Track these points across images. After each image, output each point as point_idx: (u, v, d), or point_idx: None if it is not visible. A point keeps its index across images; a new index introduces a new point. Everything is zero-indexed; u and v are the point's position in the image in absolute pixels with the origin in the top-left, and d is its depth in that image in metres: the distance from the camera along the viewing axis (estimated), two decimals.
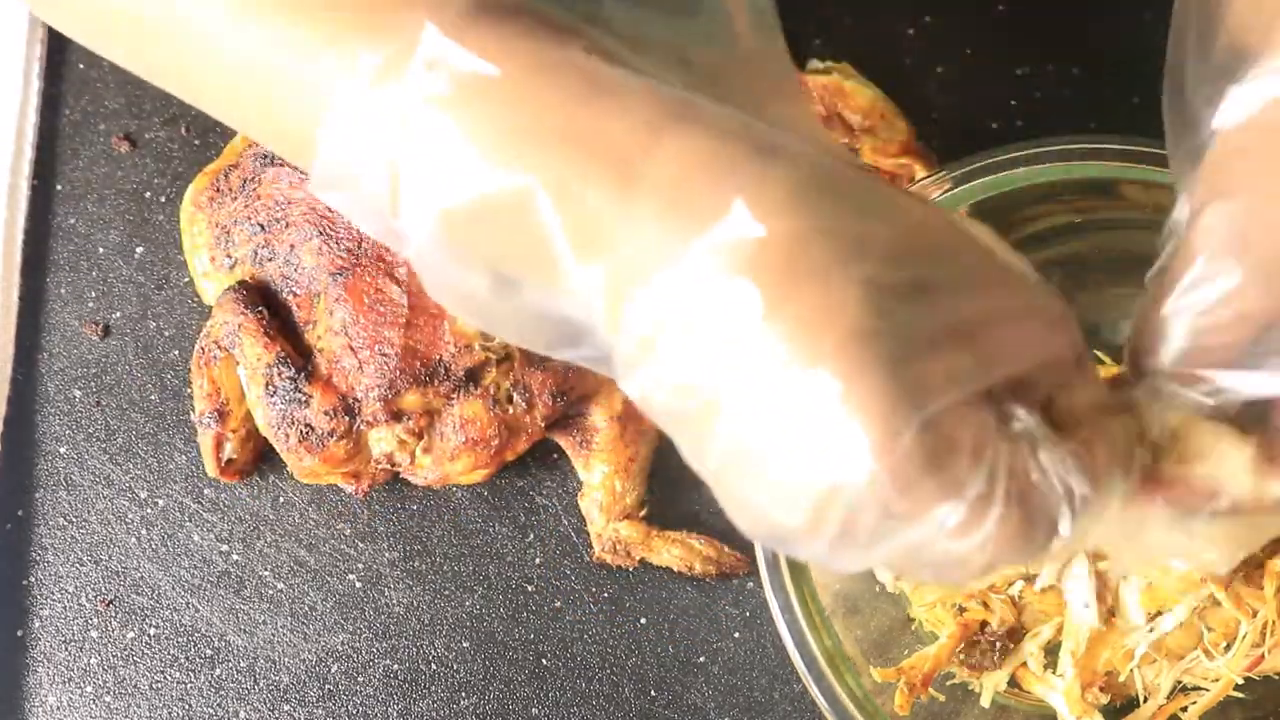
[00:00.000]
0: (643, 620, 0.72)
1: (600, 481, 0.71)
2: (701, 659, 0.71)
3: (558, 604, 0.72)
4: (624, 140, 0.40)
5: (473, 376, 0.68)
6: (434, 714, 0.71)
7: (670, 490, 0.73)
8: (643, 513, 0.72)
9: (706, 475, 0.42)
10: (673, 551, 0.71)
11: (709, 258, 0.38)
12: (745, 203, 0.38)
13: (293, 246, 0.69)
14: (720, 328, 0.39)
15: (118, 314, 0.76)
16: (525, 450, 0.70)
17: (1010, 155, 0.65)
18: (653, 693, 0.71)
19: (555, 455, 0.73)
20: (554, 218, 0.40)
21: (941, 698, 0.66)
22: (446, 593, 0.72)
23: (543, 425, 0.69)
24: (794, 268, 0.38)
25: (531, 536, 0.73)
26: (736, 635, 0.72)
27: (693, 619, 0.72)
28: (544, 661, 0.71)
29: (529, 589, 0.72)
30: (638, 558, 0.71)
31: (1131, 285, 0.72)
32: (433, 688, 0.71)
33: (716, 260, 0.38)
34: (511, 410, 0.68)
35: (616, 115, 0.40)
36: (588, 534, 0.72)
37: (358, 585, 0.72)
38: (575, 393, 0.70)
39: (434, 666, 0.71)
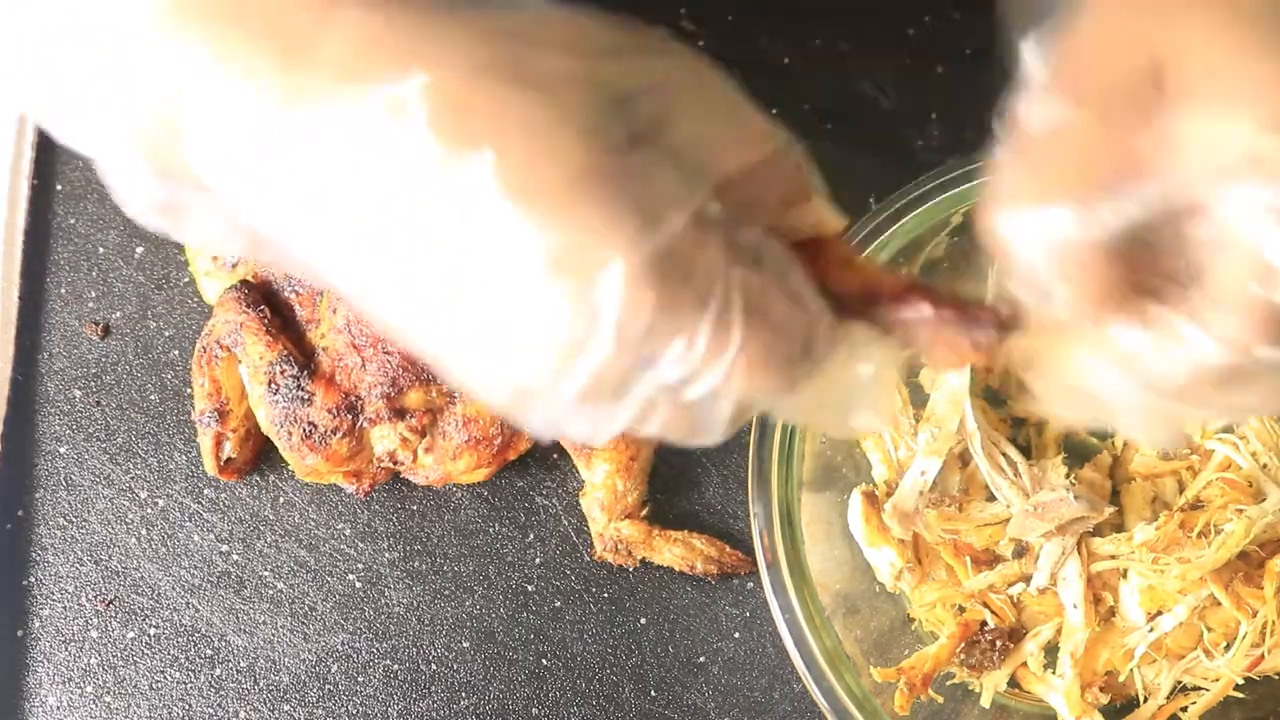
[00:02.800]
0: (643, 620, 0.72)
1: (602, 480, 0.71)
2: (701, 659, 0.71)
3: (558, 604, 0.72)
4: (296, 16, 0.38)
5: None
6: (434, 714, 0.71)
7: (671, 490, 0.73)
8: (644, 512, 0.72)
9: (429, 347, 0.40)
10: (674, 551, 0.71)
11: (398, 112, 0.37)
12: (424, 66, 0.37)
13: None
14: (443, 202, 0.37)
15: (118, 314, 0.76)
16: (526, 449, 0.70)
17: None
18: (653, 693, 0.71)
19: (555, 455, 0.73)
20: (222, 90, 0.38)
21: (940, 699, 0.67)
22: (446, 593, 0.72)
23: None
24: (498, 118, 0.36)
25: (531, 536, 0.73)
26: (736, 635, 0.72)
27: (693, 619, 0.72)
28: (544, 661, 0.71)
29: (529, 589, 0.72)
30: (639, 557, 0.71)
31: None
32: (433, 688, 0.71)
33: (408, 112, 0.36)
34: None
35: None
36: (588, 534, 0.72)
37: (358, 585, 0.72)
38: None
39: (434, 666, 0.71)
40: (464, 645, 0.72)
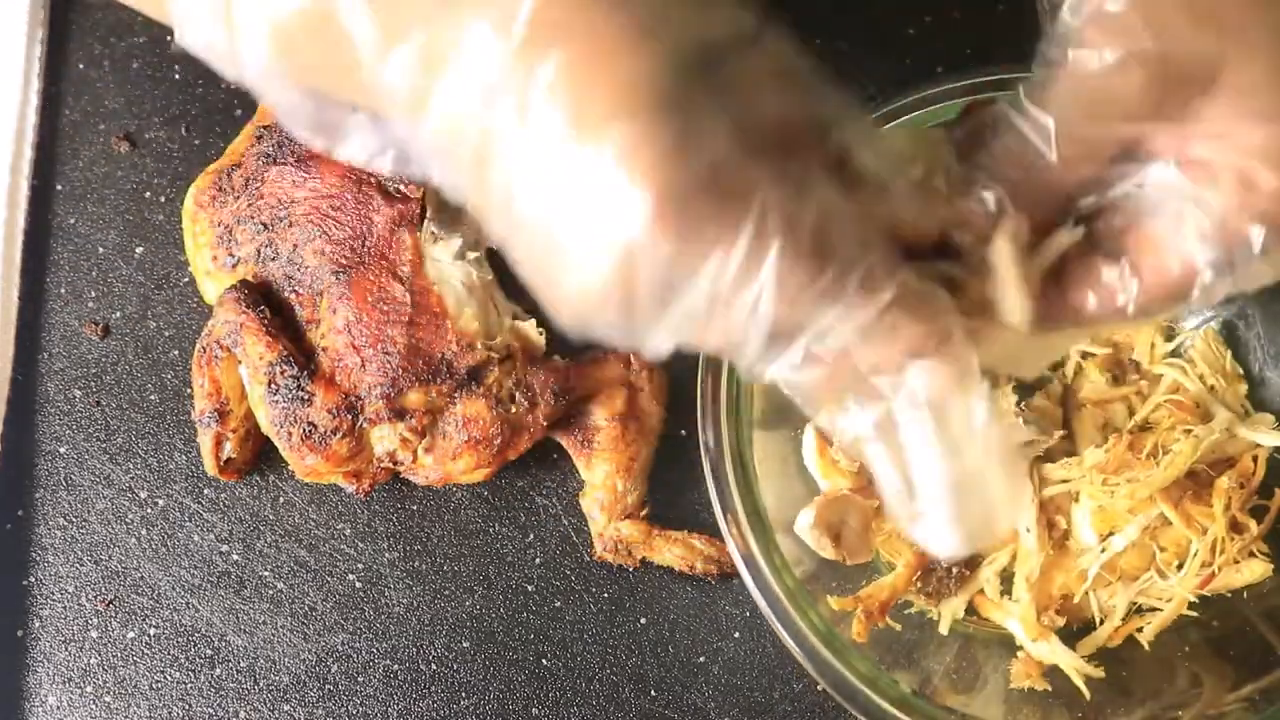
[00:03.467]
0: (643, 620, 0.72)
1: (602, 480, 0.71)
2: (701, 659, 0.72)
3: (558, 604, 0.72)
4: None
5: (475, 375, 0.68)
6: (434, 714, 0.71)
7: (671, 490, 0.73)
8: (644, 512, 0.72)
9: (506, 248, 0.43)
10: (674, 551, 0.71)
11: (505, 34, 0.39)
12: None
13: (295, 245, 0.69)
14: (507, 92, 0.39)
15: (118, 314, 0.76)
16: (526, 449, 0.70)
17: None
18: (653, 693, 0.71)
19: (555, 455, 0.73)
20: (357, 14, 0.40)
21: (899, 627, 0.67)
22: (446, 593, 0.72)
23: (545, 424, 0.69)
24: (588, 35, 0.39)
25: (531, 536, 0.73)
26: (736, 635, 0.72)
27: (693, 619, 0.72)
28: (544, 661, 0.71)
29: (529, 589, 0.72)
30: (639, 557, 0.71)
31: None
32: (433, 688, 0.71)
33: (512, 34, 0.39)
34: (514, 409, 0.68)
35: None
36: (588, 534, 0.72)
37: (358, 585, 0.72)
38: (577, 392, 0.70)
39: (434, 666, 0.71)
40: (464, 645, 0.72)
